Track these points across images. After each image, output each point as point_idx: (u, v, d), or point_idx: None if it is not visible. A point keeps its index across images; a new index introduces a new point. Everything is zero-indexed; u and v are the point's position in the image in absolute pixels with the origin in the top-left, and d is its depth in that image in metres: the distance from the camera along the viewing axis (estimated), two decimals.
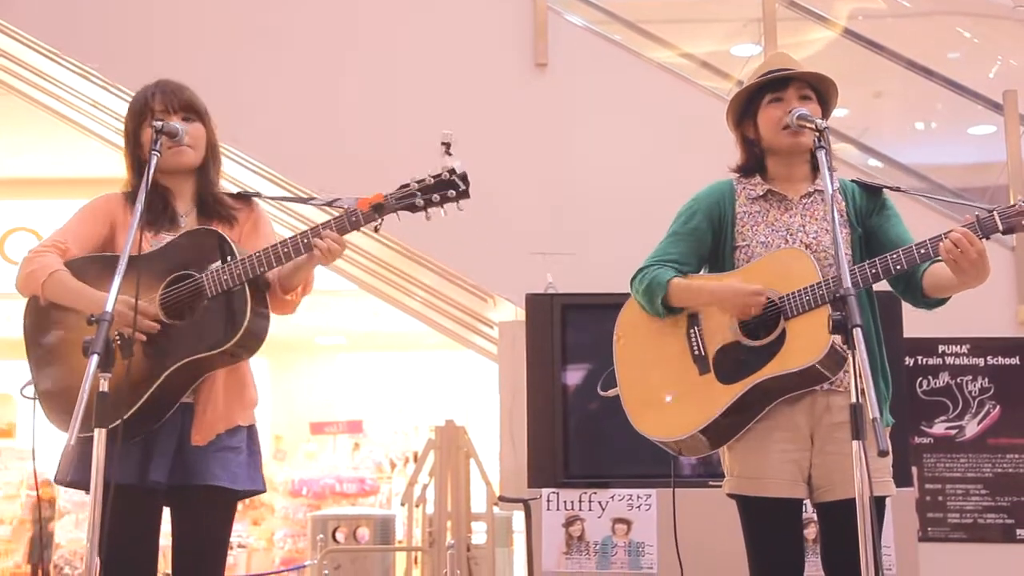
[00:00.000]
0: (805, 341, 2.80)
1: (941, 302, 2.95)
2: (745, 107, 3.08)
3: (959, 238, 2.66)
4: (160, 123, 2.86)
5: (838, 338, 2.74)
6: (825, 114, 3.06)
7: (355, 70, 5.70)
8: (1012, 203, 2.67)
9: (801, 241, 2.96)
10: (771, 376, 2.84)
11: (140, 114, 2.99)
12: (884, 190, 3.07)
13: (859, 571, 2.41)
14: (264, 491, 3.05)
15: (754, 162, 3.10)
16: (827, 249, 2.94)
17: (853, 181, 3.10)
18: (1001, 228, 2.67)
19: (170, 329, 2.82)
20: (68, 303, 2.87)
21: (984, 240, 2.68)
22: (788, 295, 2.86)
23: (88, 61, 5.71)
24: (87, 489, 2.54)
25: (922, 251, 2.74)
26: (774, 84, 3.01)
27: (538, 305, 4.77)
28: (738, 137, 3.14)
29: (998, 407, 5.30)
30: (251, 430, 2.99)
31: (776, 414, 2.90)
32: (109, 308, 2.51)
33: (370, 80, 5.66)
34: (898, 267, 2.78)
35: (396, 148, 5.39)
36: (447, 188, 2.78)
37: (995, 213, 2.67)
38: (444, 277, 6.20)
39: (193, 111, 2.99)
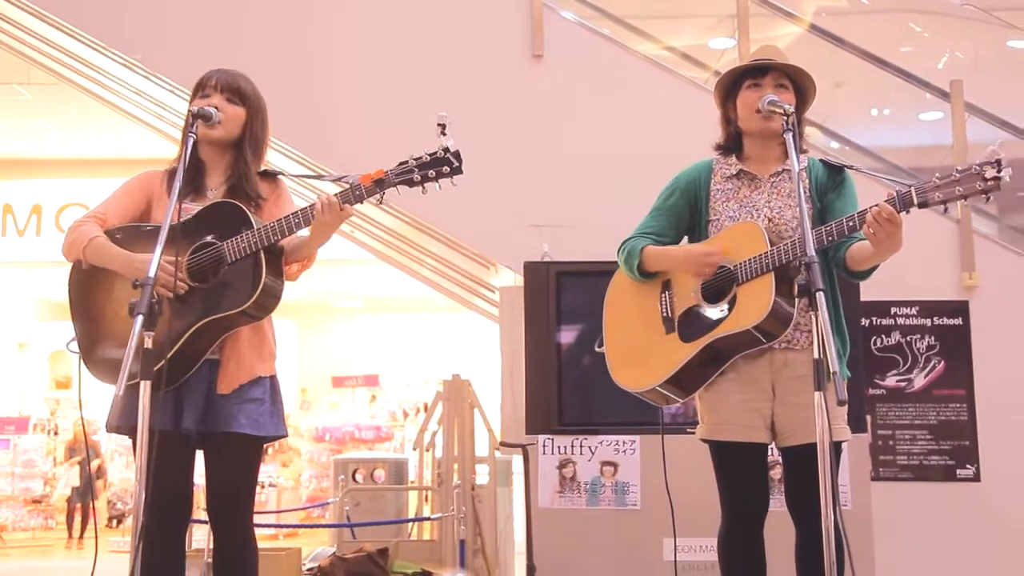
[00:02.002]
0: (751, 304, 2.81)
1: (863, 275, 2.94)
2: (729, 90, 3.07)
3: (877, 212, 2.65)
4: (196, 108, 2.86)
5: (780, 300, 2.75)
6: (803, 104, 3.04)
7: (367, 62, 5.66)
8: (928, 180, 2.66)
9: (765, 216, 2.96)
10: (721, 335, 2.85)
11: (194, 90, 3.01)
12: (846, 170, 3.06)
13: (819, 507, 2.43)
14: (286, 436, 3.05)
15: (733, 140, 3.09)
16: (788, 222, 2.93)
17: (820, 160, 3.08)
18: (916, 202, 2.65)
19: (195, 291, 2.83)
20: (106, 265, 2.89)
21: (905, 213, 2.66)
22: (740, 263, 2.86)
23: (131, 53, 5.67)
24: (129, 434, 2.55)
25: (850, 224, 2.73)
26: (755, 71, 2.99)
27: (535, 272, 4.76)
28: (721, 115, 3.13)
29: (943, 362, 5.30)
30: (272, 380, 2.98)
31: (738, 368, 2.91)
32: (151, 272, 2.52)
33: (381, 70, 5.62)
34: (830, 237, 2.77)
35: (405, 133, 5.35)
36: (442, 165, 2.78)
37: (912, 188, 2.66)
38: (450, 247, 6.20)
39: (238, 95, 2.98)
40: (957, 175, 2.61)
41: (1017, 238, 6.02)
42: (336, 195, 2.81)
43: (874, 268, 2.89)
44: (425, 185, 2.80)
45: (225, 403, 2.84)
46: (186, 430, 2.81)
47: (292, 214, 2.82)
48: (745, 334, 2.81)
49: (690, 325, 2.94)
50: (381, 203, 2.83)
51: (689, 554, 4.18)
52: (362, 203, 2.83)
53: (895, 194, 2.67)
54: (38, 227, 10.68)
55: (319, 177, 3.29)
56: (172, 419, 2.80)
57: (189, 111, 2.87)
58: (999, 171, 2.57)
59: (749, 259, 2.84)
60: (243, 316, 2.82)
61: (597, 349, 3.18)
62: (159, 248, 2.58)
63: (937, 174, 2.65)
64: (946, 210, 2.70)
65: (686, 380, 2.95)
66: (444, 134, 2.77)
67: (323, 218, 2.79)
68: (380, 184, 2.79)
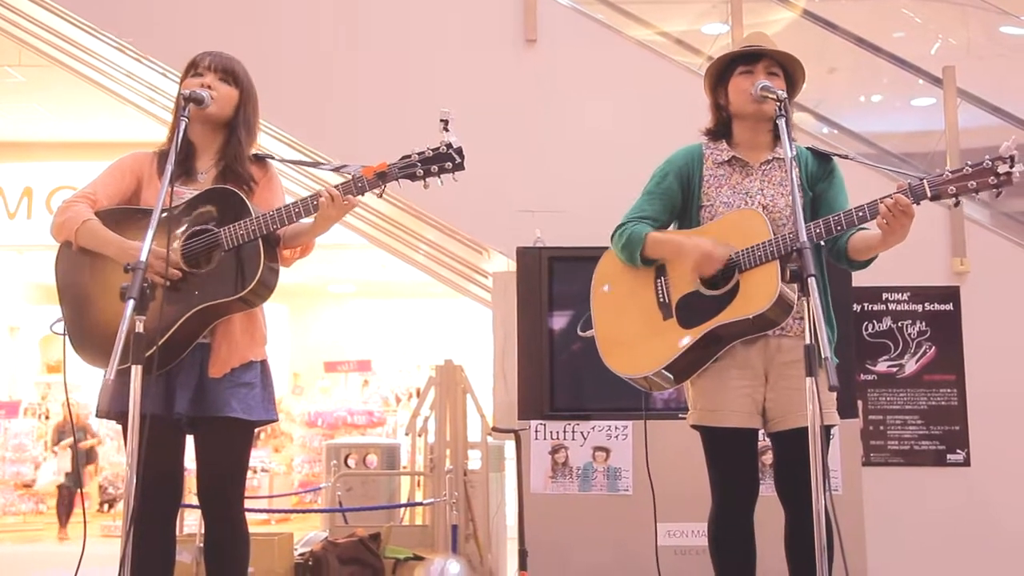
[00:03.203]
0: (756, 291, 2.80)
1: (863, 265, 2.94)
2: (720, 76, 3.06)
3: (893, 204, 2.65)
4: (188, 91, 2.84)
5: (784, 288, 2.75)
6: (793, 91, 3.03)
7: (364, 46, 5.64)
8: (940, 172, 2.66)
9: (759, 203, 2.95)
10: (725, 322, 2.84)
11: (186, 70, 2.99)
12: (834, 158, 3.06)
13: (809, 491, 2.43)
14: (277, 420, 3.05)
15: (722, 126, 3.08)
16: (782, 211, 2.93)
17: (808, 148, 3.08)
18: (929, 195, 2.66)
19: (190, 277, 2.81)
20: (98, 249, 2.86)
21: (916, 205, 2.67)
22: (743, 250, 2.85)
23: (123, 36, 5.65)
24: (118, 420, 2.54)
25: (859, 214, 2.73)
26: (747, 58, 2.99)
27: (528, 257, 4.76)
28: (711, 101, 3.11)
29: (933, 348, 5.32)
30: (263, 365, 2.97)
31: (733, 354, 2.90)
32: (143, 257, 2.50)
33: (374, 54, 5.60)
34: (839, 227, 2.77)
35: (399, 116, 5.35)
36: (444, 160, 2.79)
37: (925, 181, 2.66)
38: (444, 232, 6.19)
39: (230, 76, 2.96)
40: (970, 169, 2.62)
41: (1008, 224, 6.04)
42: (338, 187, 2.80)
43: (873, 258, 2.89)
44: (427, 180, 2.79)
45: (217, 387, 2.83)
46: (178, 414, 2.81)
47: (293, 203, 2.81)
48: (749, 321, 2.80)
49: (690, 311, 2.92)
50: (382, 196, 2.83)
51: (679, 539, 4.20)
52: (363, 195, 2.82)
53: (907, 186, 2.67)
54: (29, 210, 10.64)
55: (317, 165, 3.28)
56: (163, 404, 2.79)
57: (181, 94, 2.85)
58: (1012, 167, 2.58)
59: (753, 246, 2.83)
60: (238, 303, 2.81)
61: (580, 333, 3.17)
62: (150, 232, 2.56)
63: (948, 168, 2.65)
64: (958, 203, 2.71)
65: (682, 366, 2.94)
66: (447, 130, 2.78)
67: (328, 211, 2.80)
68: (382, 177, 2.79)
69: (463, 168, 2.81)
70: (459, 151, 2.79)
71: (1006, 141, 2.62)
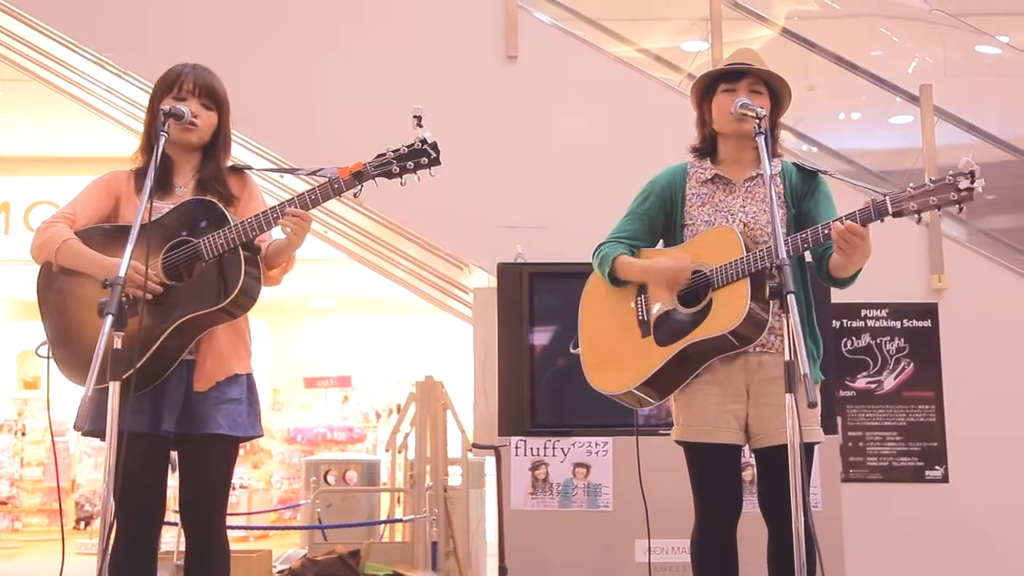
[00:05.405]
0: (727, 309, 2.82)
1: (845, 282, 2.96)
2: (704, 92, 3.08)
3: (842, 230, 2.68)
4: (167, 107, 2.83)
5: (754, 306, 2.76)
6: (778, 109, 3.05)
7: (344, 62, 5.63)
8: (903, 189, 2.69)
9: (741, 220, 2.97)
10: (697, 340, 2.86)
11: (169, 87, 2.95)
12: (820, 175, 3.07)
13: (790, 508, 2.43)
14: (262, 435, 3.04)
15: (707, 143, 3.10)
16: (763, 227, 2.94)
17: (794, 164, 3.09)
18: (891, 211, 2.68)
19: (171, 290, 2.79)
20: (80, 268, 2.84)
21: (880, 222, 2.68)
22: (716, 268, 2.86)
23: (103, 51, 5.62)
24: (102, 437, 2.52)
25: (826, 231, 2.75)
26: (729, 75, 3.00)
27: (508, 273, 4.76)
28: (698, 117, 3.13)
29: (912, 364, 5.34)
30: (249, 378, 2.96)
31: (714, 370, 2.92)
32: (122, 273, 2.48)
33: (355, 71, 5.60)
34: (805, 245, 2.79)
35: (382, 133, 5.33)
36: (420, 156, 2.79)
37: (887, 198, 2.68)
38: (425, 248, 6.18)
39: (213, 100, 2.95)
40: (931, 185, 2.64)
41: (986, 241, 6.09)
42: (314, 190, 2.79)
43: (857, 273, 2.91)
44: (403, 177, 2.79)
45: (204, 403, 2.82)
46: (165, 431, 2.79)
47: (271, 209, 2.81)
48: (721, 339, 2.82)
49: (666, 329, 2.94)
50: (358, 196, 2.82)
51: (661, 555, 4.20)
52: (340, 196, 2.82)
53: (871, 203, 2.69)
54: (6, 225, 10.55)
55: (294, 171, 3.28)
56: (151, 421, 2.78)
57: (160, 109, 2.83)
58: (972, 182, 2.60)
59: (725, 264, 2.84)
60: (221, 314, 2.79)
61: (572, 350, 3.18)
62: (129, 247, 2.54)
63: (911, 184, 2.67)
64: (920, 219, 2.73)
65: (662, 383, 2.95)
66: (420, 126, 2.78)
67: (296, 227, 2.79)
68: (359, 176, 2.79)
69: (439, 163, 2.80)
70: (434, 146, 2.79)
71: (965, 157, 2.64)
